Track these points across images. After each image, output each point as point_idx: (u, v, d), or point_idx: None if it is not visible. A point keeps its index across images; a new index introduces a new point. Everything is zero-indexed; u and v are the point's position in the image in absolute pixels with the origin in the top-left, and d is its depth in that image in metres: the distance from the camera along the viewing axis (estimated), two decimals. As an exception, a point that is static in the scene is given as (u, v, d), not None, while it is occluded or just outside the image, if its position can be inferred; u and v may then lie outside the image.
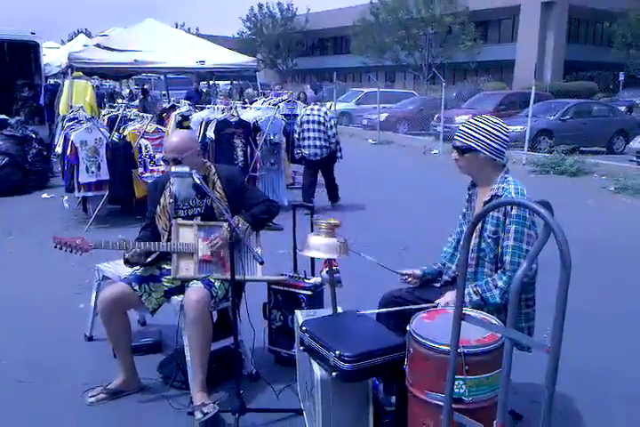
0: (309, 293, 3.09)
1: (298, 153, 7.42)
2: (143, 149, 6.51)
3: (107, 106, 8.82)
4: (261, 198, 3.12)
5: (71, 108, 7.61)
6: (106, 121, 7.34)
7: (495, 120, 2.50)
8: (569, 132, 12.70)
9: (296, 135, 7.29)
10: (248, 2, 43.65)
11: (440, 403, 1.91)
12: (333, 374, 2.21)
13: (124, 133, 6.67)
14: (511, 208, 2.37)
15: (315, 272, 3.33)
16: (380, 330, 2.49)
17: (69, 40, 24.93)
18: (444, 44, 30.11)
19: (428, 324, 2.16)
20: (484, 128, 2.45)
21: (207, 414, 2.57)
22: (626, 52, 29.03)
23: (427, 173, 10.49)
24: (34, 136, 8.94)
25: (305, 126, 7.14)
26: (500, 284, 2.35)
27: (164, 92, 14.57)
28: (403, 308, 2.55)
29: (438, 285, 2.74)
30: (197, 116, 7.11)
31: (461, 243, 2.19)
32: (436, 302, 2.48)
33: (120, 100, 11.24)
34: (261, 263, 2.69)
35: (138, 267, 2.95)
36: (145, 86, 13.36)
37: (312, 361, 2.39)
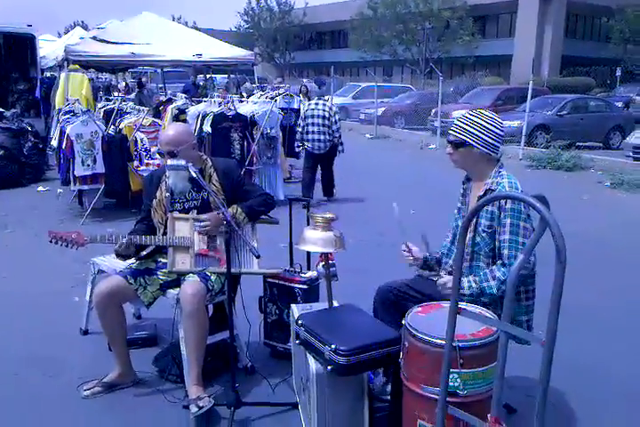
0: (305, 286, 3.08)
1: (299, 146, 7.43)
2: (139, 142, 6.50)
3: (103, 99, 8.79)
4: (258, 192, 3.12)
5: (67, 100, 7.59)
6: (102, 114, 7.34)
7: (490, 115, 2.49)
8: (566, 127, 12.70)
9: (299, 129, 7.31)
10: (245, -5, 43.46)
11: (435, 397, 1.91)
12: (329, 367, 2.21)
13: (120, 127, 6.65)
14: (505, 202, 2.36)
15: (310, 266, 3.33)
16: (376, 324, 2.50)
17: (66, 33, 24.76)
18: (441, 38, 30.03)
19: (423, 318, 2.16)
20: (479, 122, 2.45)
21: (202, 407, 2.57)
22: (623, 48, 29.00)
23: (423, 168, 10.47)
24: (29, 129, 8.90)
25: (309, 120, 7.18)
26: (498, 275, 2.35)
27: (160, 86, 14.50)
28: None
29: (435, 278, 2.74)
30: (194, 110, 7.09)
31: (457, 237, 2.18)
32: (437, 282, 2.47)
33: (116, 94, 11.21)
34: (258, 257, 2.68)
35: (133, 260, 2.94)
36: (142, 79, 13.29)
37: (307, 355, 2.39)
